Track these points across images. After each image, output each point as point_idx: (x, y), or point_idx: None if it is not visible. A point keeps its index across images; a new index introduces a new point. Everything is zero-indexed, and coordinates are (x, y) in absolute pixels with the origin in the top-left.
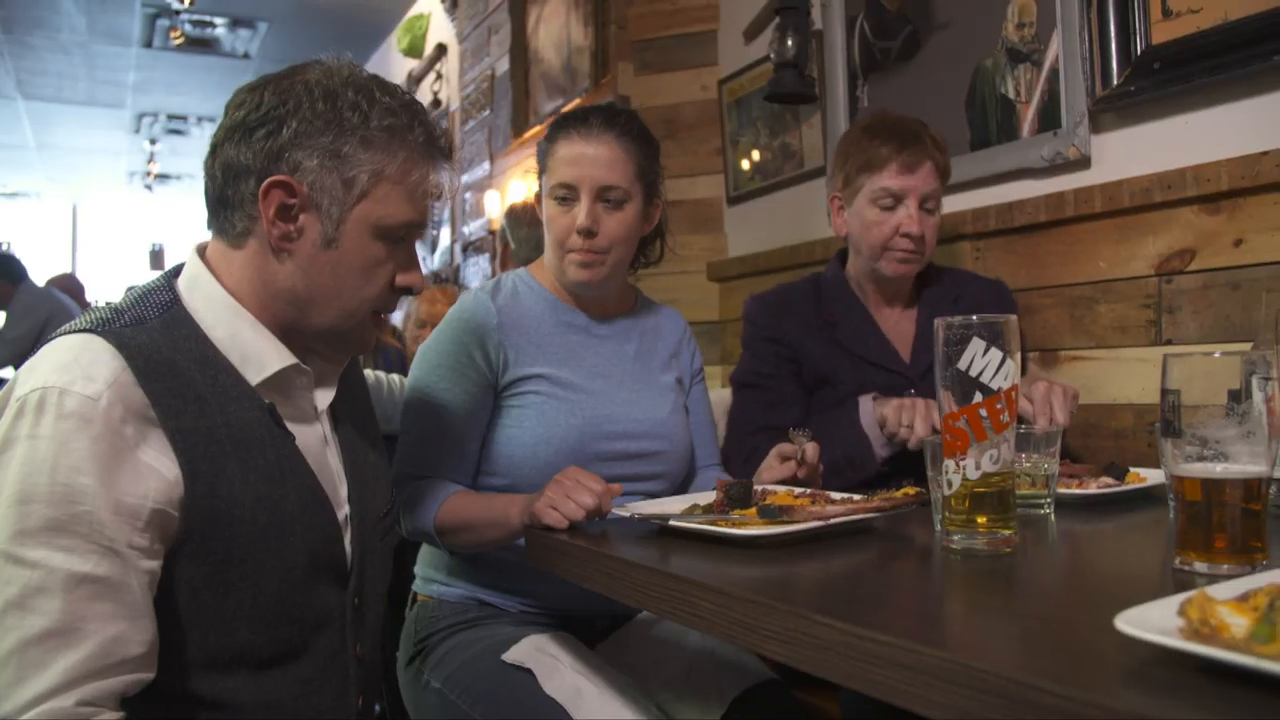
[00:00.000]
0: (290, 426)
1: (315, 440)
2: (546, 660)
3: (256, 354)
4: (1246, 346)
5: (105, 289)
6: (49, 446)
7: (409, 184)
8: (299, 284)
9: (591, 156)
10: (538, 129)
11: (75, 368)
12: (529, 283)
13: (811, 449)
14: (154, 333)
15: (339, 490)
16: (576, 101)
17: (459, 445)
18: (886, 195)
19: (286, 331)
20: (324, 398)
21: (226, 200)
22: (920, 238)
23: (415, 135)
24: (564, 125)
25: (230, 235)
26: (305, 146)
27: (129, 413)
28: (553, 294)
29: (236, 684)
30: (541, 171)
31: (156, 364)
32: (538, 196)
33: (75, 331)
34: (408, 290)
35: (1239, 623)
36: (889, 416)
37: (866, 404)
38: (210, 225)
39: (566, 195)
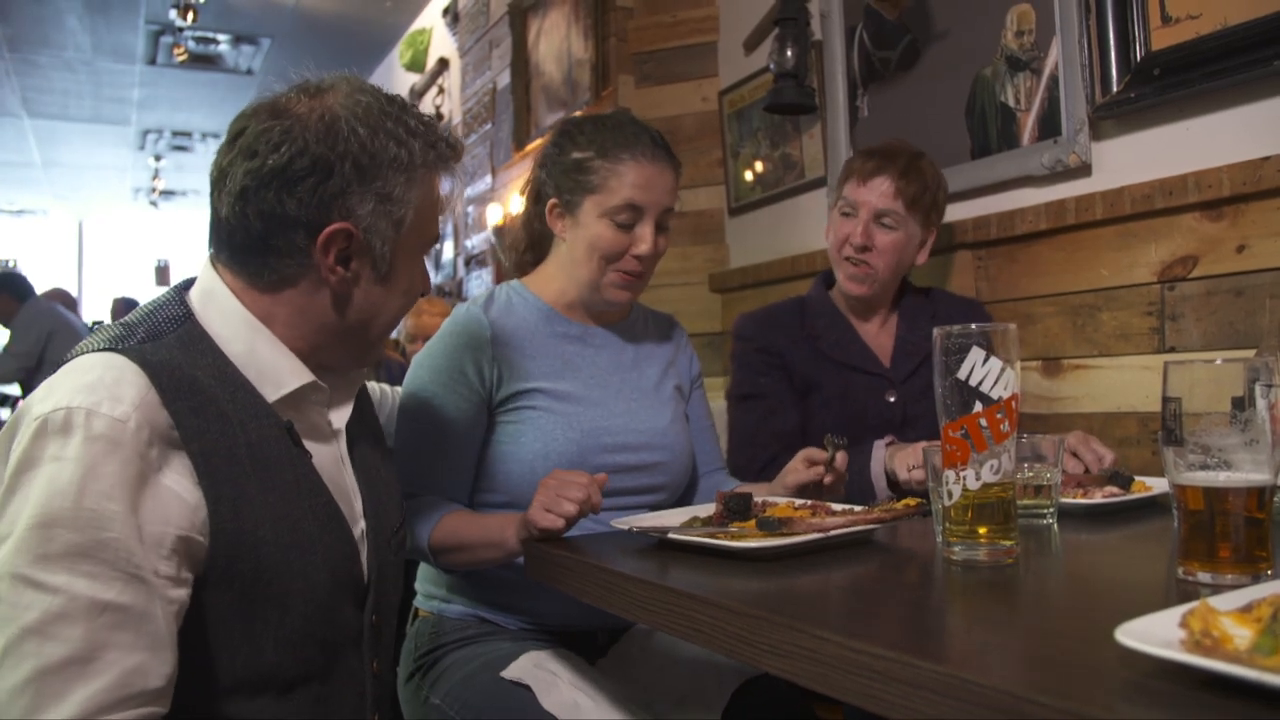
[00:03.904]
0: (306, 444)
1: (331, 458)
2: (544, 676)
3: (274, 371)
4: (1250, 353)
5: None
6: (75, 469)
7: (438, 204)
8: (353, 318)
9: (659, 182)
10: (539, 141)
11: (101, 388)
12: (523, 294)
13: (841, 457)
14: (172, 348)
15: (354, 506)
16: (577, 114)
17: (454, 462)
18: (847, 204)
19: (312, 352)
20: (340, 416)
21: (270, 249)
22: (864, 249)
23: (445, 161)
24: (625, 145)
25: (266, 280)
26: (356, 193)
27: (155, 435)
28: (548, 305)
29: (261, 706)
30: (591, 189)
31: (179, 381)
32: (553, 208)
33: (94, 350)
34: (424, 293)
35: (1242, 634)
36: (897, 470)
37: (879, 452)
38: (232, 265)
39: (630, 219)
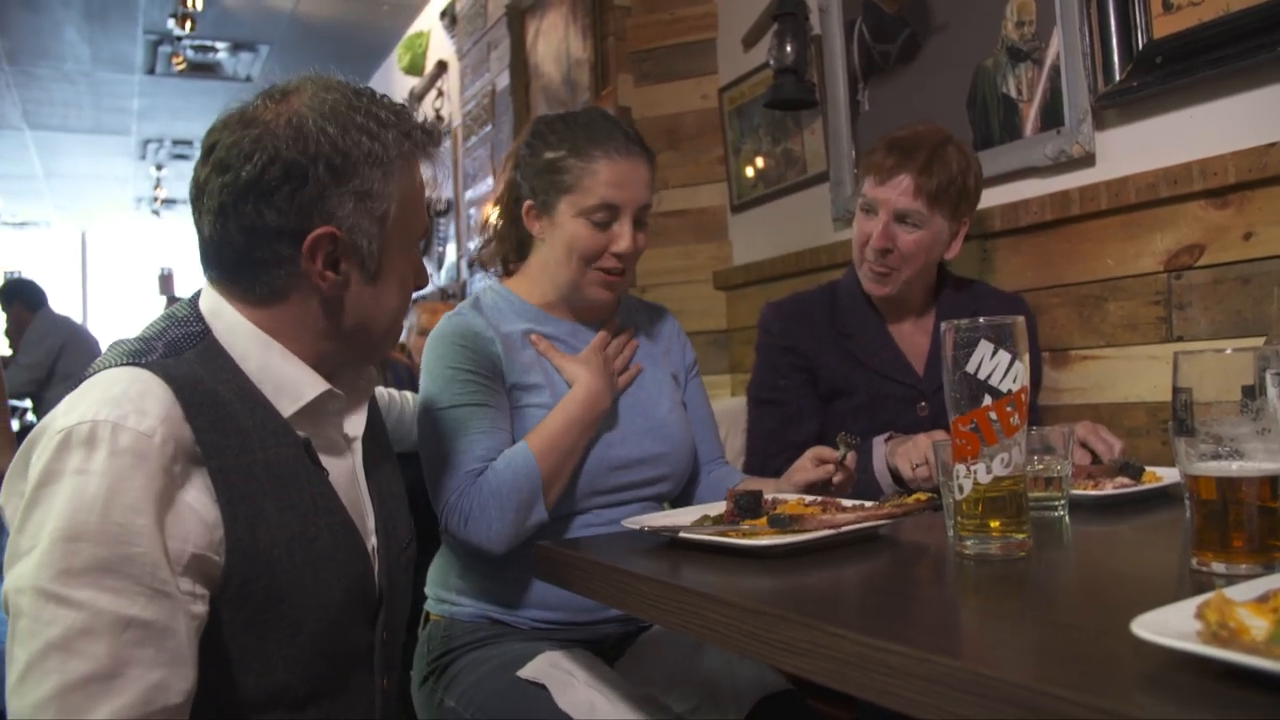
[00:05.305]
0: (323, 460)
1: (346, 473)
2: (561, 675)
3: (291, 383)
4: (1259, 341)
5: (116, 315)
6: (101, 483)
7: (421, 193)
8: (349, 322)
9: (634, 178)
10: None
11: (126, 401)
12: (508, 297)
13: (851, 457)
14: (193, 364)
15: (367, 522)
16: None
17: (494, 433)
18: (866, 202)
19: (323, 358)
20: (354, 425)
21: (256, 262)
22: (884, 251)
23: (418, 143)
24: (598, 142)
25: (258, 294)
26: (334, 195)
27: (179, 450)
28: (534, 306)
29: None
30: (565, 189)
31: (202, 396)
32: (530, 209)
33: (116, 365)
34: (422, 286)
35: (1259, 625)
36: (900, 467)
37: (880, 449)
38: (224, 283)
39: (607, 218)
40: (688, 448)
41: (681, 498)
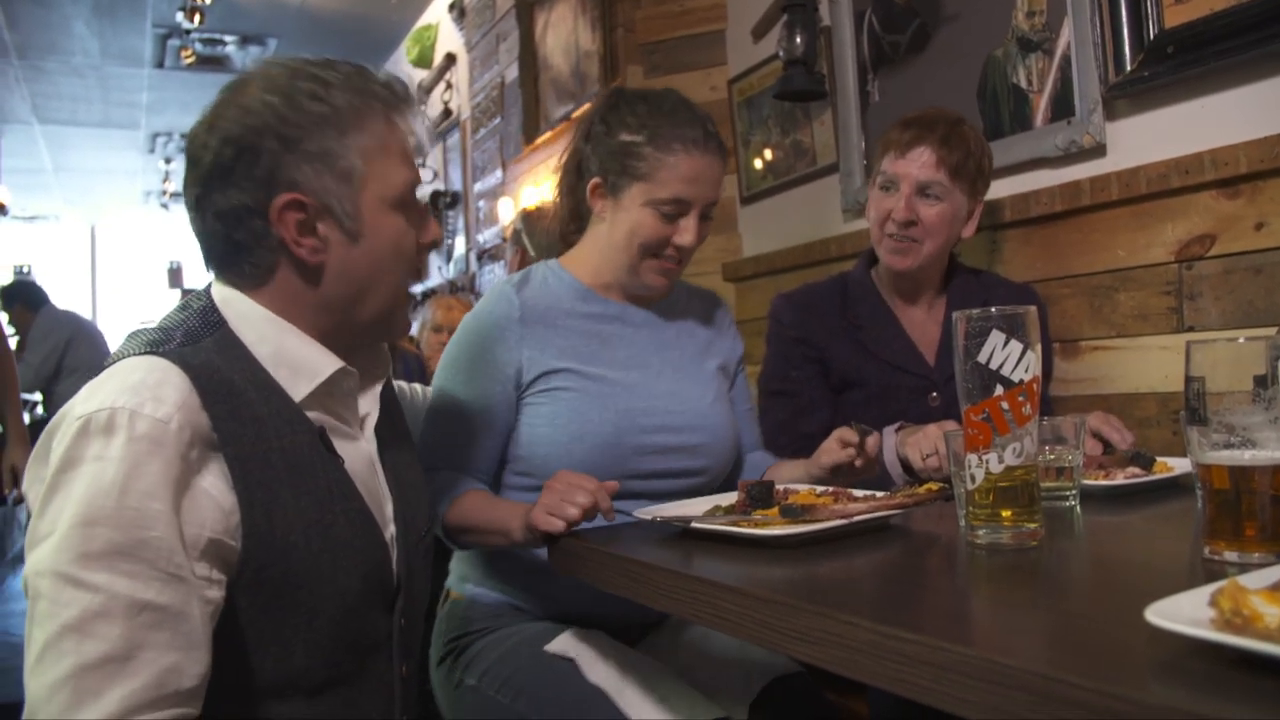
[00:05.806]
0: (339, 447)
1: (363, 460)
2: (588, 650)
3: (305, 363)
4: (1270, 331)
5: (126, 308)
6: (119, 469)
7: (394, 145)
8: (342, 289)
9: (709, 175)
10: (549, 135)
11: (144, 389)
12: (559, 274)
13: (871, 441)
14: (211, 353)
15: (385, 510)
16: (587, 106)
17: (474, 441)
18: (886, 179)
19: (331, 335)
20: (368, 404)
21: (239, 245)
22: (909, 224)
23: (378, 96)
24: (678, 134)
25: (250, 278)
26: (290, 161)
27: (195, 436)
28: (584, 284)
29: (291, 709)
30: (639, 175)
31: (218, 385)
32: (596, 186)
33: (135, 354)
34: (432, 246)
35: (1272, 612)
36: (911, 458)
37: (890, 440)
38: (222, 276)
39: (676, 211)
40: (729, 440)
41: (723, 490)
